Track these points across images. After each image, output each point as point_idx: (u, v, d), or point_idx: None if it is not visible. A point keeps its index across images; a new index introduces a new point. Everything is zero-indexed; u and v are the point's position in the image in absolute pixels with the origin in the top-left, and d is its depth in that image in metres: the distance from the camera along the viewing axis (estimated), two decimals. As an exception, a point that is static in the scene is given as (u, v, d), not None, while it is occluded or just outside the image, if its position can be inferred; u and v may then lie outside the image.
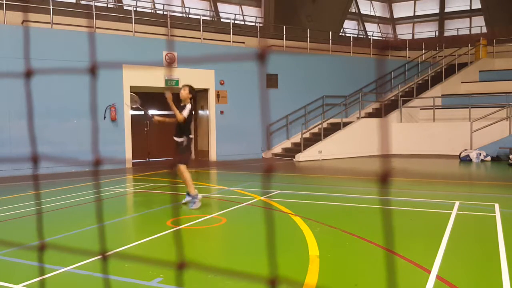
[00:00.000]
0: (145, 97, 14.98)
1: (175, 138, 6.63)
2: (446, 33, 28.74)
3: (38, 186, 9.23)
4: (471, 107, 15.53)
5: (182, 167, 6.55)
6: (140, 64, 13.17)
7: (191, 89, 6.67)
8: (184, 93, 6.60)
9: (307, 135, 15.75)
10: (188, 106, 6.59)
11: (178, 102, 6.71)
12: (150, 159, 15.08)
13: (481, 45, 20.10)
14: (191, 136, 6.75)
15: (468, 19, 28.45)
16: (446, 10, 29.32)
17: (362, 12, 29.59)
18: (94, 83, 1.17)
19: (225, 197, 7.83)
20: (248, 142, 15.39)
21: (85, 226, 5.73)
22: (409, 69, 19.79)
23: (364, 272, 3.98)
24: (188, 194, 6.73)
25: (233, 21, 18.05)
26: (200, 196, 6.72)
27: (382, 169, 0.93)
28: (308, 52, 17.48)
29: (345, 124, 16.01)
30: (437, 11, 29.56)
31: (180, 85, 14.11)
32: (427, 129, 16.14)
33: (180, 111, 6.50)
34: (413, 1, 30.21)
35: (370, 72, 18.36)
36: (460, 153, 14.14)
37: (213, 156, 14.97)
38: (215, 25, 20.27)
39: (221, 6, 23.28)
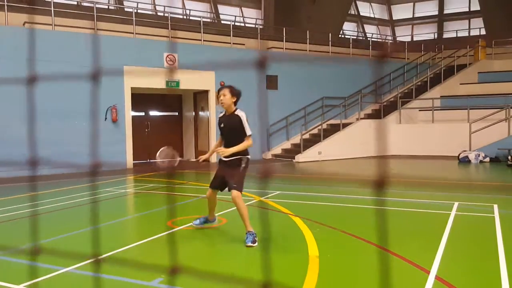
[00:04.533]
0: (146, 98, 15.09)
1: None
2: (445, 35, 28.82)
3: (39, 188, 9.27)
4: (470, 109, 15.58)
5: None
6: (141, 66, 13.21)
7: (232, 90, 5.03)
8: (225, 100, 4.97)
9: (306, 136, 15.78)
10: (242, 114, 4.99)
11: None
12: (151, 160, 15.11)
13: (480, 47, 20.16)
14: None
15: (467, 21, 28.54)
16: (445, 12, 29.40)
17: (361, 14, 29.66)
18: (97, 89, 1.20)
19: (225, 197, 7.85)
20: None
21: (85, 227, 5.77)
22: (408, 70, 19.84)
23: (364, 272, 4.01)
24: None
25: (233, 23, 18.09)
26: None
27: (378, 174, 0.96)
28: (308, 54, 17.53)
29: (345, 125, 16.05)
30: (436, 12, 29.65)
31: (181, 86, 14.26)
32: (426, 130, 16.19)
33: (230, 126, 4.97)
34: (412, 3, 30.29)
35: (369, 73, 18.39)
36: (459, 154, 14.19)
37: (213, 157, 14.99)
38: (216, 27, 20.32)
39: (221, 8, 23.33)
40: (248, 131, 4.93)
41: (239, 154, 4.95)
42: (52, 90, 11.89)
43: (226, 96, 4.96)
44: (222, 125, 5.07)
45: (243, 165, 5.01)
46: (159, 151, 5.31)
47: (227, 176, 4.99)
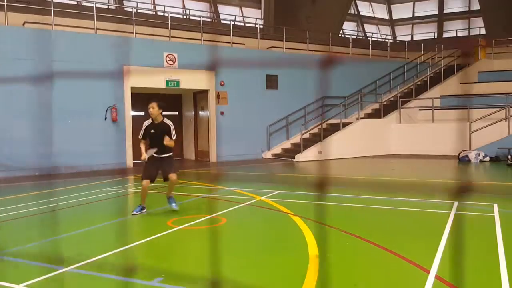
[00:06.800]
0: (146, 98, 15.07)
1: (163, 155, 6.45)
2: (445, 34, 28.82)
3: (38, 187, 9.27)
4: (470, 108, 15.57)
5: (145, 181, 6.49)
6: (141, 66, 13.21)
7: (159, 104, 6.43)
8: (154, 111, 6.33)
9: (306, 135, 15.79)
10: (170, 123, 6.44)
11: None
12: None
13: (480, 46, 20.16)
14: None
15: (467, 20, 28.54)
16: (445, 11, 29.40)
17: (361, 13, 29.68)
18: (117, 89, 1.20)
19: (225, 197, 7.86)
20: (248, 142, 15.43)
21: (85, 227, 5.77)
22: (408, 70, 19.85)
23: (363, 272, 4.01)
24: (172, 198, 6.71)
25: (233, 23, 18.09)
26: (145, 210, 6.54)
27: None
28: (307, 53, 17.53)
29: (345, 125, 16.05)
30: (436, 12, 29.65)
31: (181, 86, 14.25)
32: (426, 130, 16.19)
33: (161, 132, 6.30)
34: (412, 3, 30.29)
35: (370, 73, 18.41)
36: (459, 154, 14.19)
37: (213, 156, 15.01)
38: (216, 26, 20.32)
39: (221, 8, 23.34)
40: (174, 136, 6.44)
41: (169, 152, 6.47)
42: (52, 89, 11.88)
43: (155, 109, 6.32)
44: (152, 131, 6.36)
45: (173, 159, 6.66)
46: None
47: (166, 168, 6.40)
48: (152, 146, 6.39)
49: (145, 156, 6.29)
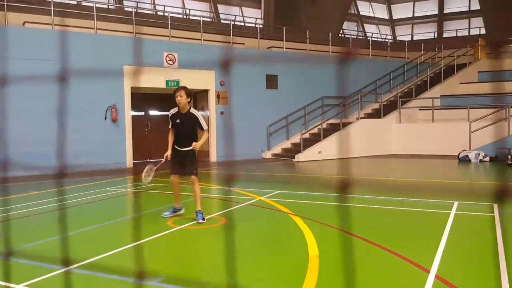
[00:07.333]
0: (146, 98, 15.09)
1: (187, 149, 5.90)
2: (445, 34, 28.82)
3: (38, 186, 9.27)
4: (470, 108, 15.58)
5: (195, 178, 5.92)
6: (141, 65, 13.17)
7: (187, 92, 5.87)
8: (182, 100, 5.78)
9: (306, 135, 15.79)
10: (197, 112, 5.95)
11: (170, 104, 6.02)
12: (151, 160, 15.10)
13: (479, 46, 20.16)
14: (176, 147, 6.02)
15: (467, 20, 28.54)
16: (445, 11, 29.41)
17: (361, 13, 29.67)
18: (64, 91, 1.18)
19: (225, 197, 7.86)
20: (248, 142, 15.42)
21: (85, 226, 5.77)
22: (408, 70, 19.85)
23: (364, 271, 4.01)
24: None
25: (233, 22, 18.09)
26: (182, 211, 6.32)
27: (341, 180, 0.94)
28: (307, 53, 17.53)
29: (345, 124, 16.05)
30: (436, 12, 29.65)
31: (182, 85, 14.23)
32: (426, 130, 16.19)
33: (188, 122, 5.82)
34: (412, 2, 30.29)
35: (369, 73, 18.41)
36: (459, 154, 14.19)
37: (213, 156, 15.01)
38: (216, 26, 20.32)
39: (221, 8, 23.33)
40: (205, 126, 5.91)
41: (191, 145, 5.80)
42: (50, 89, 11.89)
43: (183, 97, 5.76)
44: (178, 121, 5.84)
45: (196, 155, 5.94)
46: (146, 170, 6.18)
47: (187, 166, 5.86)
48: (177, 137, 5.89)
49: (169, 154, 5.88)
